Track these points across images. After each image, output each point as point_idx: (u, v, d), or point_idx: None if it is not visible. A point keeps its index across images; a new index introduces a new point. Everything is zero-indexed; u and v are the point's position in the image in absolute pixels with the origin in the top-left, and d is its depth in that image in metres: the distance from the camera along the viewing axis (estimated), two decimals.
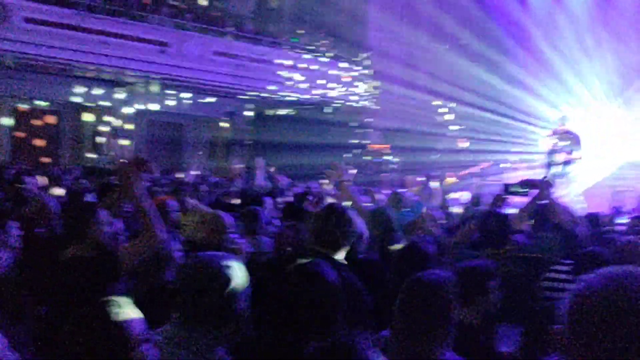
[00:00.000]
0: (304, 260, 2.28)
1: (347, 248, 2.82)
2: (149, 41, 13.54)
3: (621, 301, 1.16)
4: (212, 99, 17.52)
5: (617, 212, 7.23)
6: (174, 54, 13.87)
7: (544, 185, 4.22)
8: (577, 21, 14.91)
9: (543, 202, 4.16)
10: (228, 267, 1.94)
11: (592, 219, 5.15)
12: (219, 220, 3.88)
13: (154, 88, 15.76)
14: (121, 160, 3.20)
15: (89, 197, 5.10)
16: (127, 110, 16.66)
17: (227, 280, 1.91)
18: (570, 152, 9.67)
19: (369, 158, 16.91)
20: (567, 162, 9.65)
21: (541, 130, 14.49)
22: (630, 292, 1.17)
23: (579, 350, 1.21)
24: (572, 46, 14.87)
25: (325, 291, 2.11)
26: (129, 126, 16.62)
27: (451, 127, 18.58)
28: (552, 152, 9.95)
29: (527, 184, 4.28)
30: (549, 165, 9.95)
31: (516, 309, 3.01)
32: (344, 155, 16.70)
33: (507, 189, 4.21)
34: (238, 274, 1.96)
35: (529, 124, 15.44)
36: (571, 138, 9.80)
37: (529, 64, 16.32)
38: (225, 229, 3.83)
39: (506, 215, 3.88)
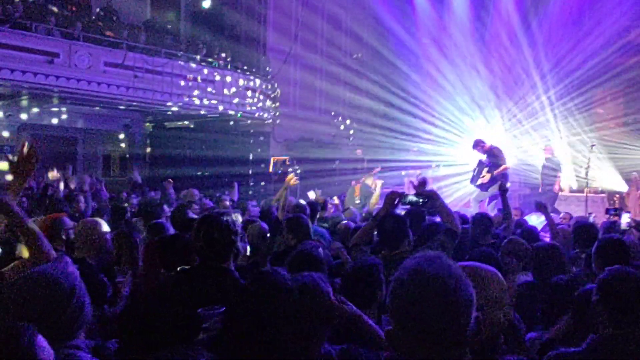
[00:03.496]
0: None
1: (233, 255, 2.72)
2: (36, 51, 12.78)
3: (417, 283, 1.32)
4: (106, 112, 16.79)
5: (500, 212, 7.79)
6: (63, 65, 13.18)
7: (434, 195, 4.46)
8: (460, 48, 16.00)
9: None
10: (67, 275, 1.76)
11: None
12: (94, 230, 3.72)
13: (42, 101, 14.85)
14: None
15: None
16: (11, 124, 15.59)
17: (71, 290, 1.72)
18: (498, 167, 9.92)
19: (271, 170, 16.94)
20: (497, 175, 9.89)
21: (431, 142, 15.39)
22: (426, 276, 1.32)
23: (397, 330, 1.35)
24: (456, 67, 15.91)
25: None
26: (12, 141, 15.53)
27: (350, 135, 19.12)
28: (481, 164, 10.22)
29: (422, 194, 4.42)
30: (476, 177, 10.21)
31: None
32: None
33: (404, 199, 4.32)
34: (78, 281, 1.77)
35: (420, 136, 16.33)
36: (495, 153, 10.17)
37: (421, 78, 17.22)
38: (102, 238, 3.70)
39: (403, 218, 3.91)
